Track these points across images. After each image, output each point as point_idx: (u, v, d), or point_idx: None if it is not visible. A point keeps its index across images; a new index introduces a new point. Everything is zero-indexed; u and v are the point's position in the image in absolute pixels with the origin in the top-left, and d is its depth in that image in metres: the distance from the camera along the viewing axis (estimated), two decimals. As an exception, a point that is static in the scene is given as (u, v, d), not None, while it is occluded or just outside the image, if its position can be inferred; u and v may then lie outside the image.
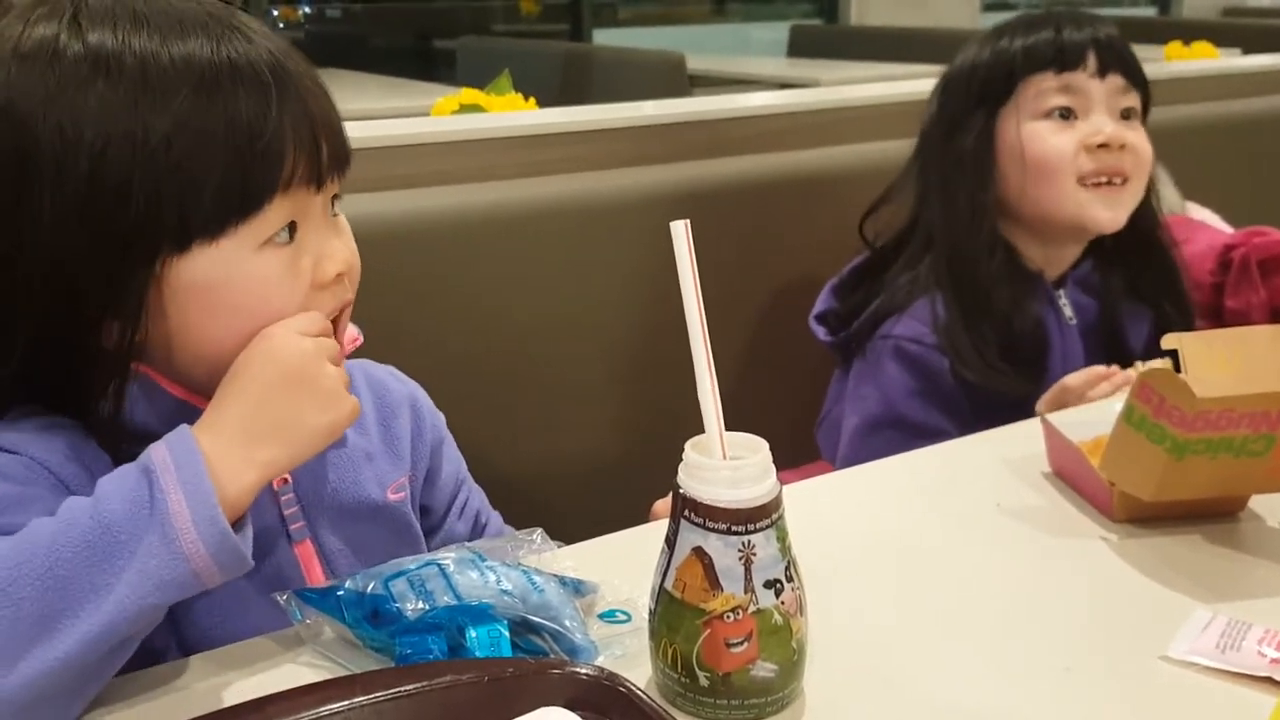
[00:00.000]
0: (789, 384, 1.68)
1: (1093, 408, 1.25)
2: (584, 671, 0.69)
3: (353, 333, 0.91)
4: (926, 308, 1.42)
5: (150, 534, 0.70)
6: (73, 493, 0.78)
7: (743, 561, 0.70)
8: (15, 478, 0.78)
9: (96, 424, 0.82)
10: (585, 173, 1.61)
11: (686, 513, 0.71)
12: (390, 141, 1.49)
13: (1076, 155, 1.40)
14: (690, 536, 0.71)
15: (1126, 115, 1.44)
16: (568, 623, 0.78)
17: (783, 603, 0.71)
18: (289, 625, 0.82)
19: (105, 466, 0.81)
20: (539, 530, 0.90)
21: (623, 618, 0.83)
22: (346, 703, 0.67)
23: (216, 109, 0.78)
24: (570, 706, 0.67)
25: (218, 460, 0.74)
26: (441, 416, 1.07)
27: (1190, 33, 3.18)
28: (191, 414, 0.83)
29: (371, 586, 0.79)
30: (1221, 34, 3.37)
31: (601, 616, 0.84)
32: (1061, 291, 1.48)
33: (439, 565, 0.80)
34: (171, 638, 0.83)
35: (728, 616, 0.70)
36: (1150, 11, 6.88)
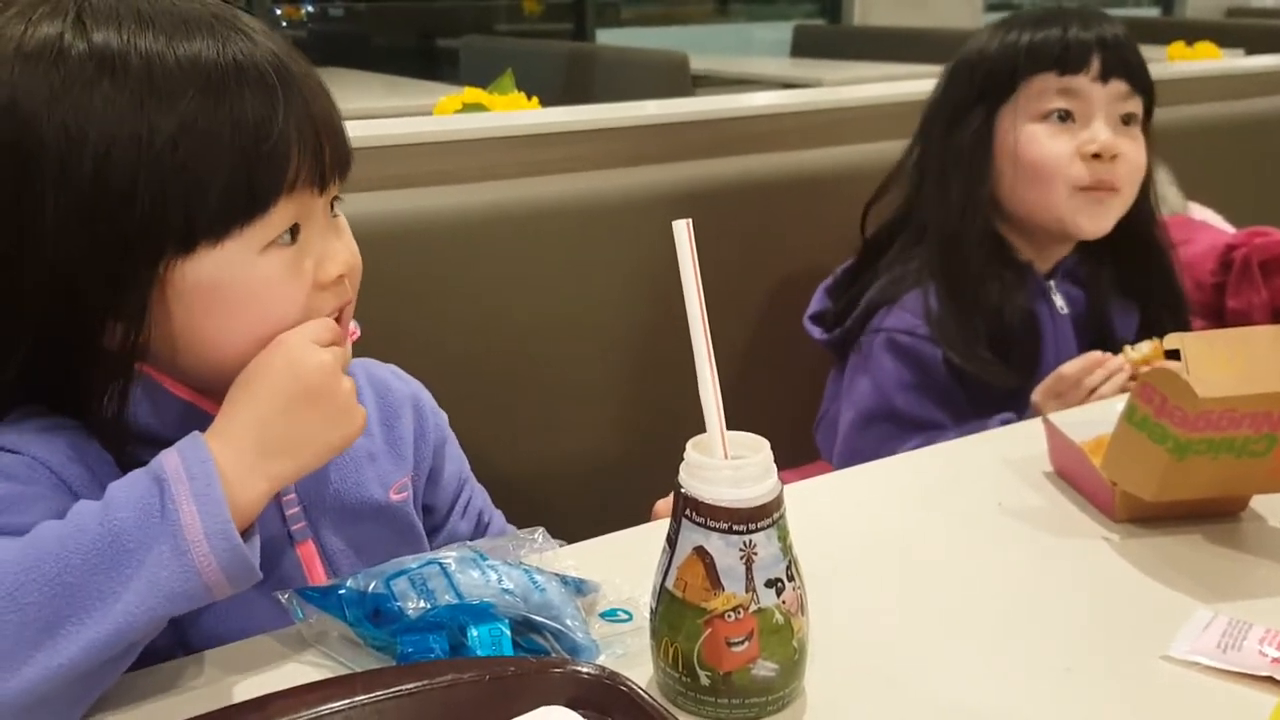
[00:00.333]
0: (790, 383, 1.68)
1: (1094, 407, 1.25)
2: (585, 670, 0.70)
3: (350, 326, 0.91)
4: (918, 299, 1.43)
5: (160, 544, 0.70)
6: (75, 493, 0.79)
7: (744, 561, 0.70)
8: (18, 477, 0.78)
9: (99, 425, 0.82)
10: (588, 172, 1.61)
11: (688, 512, 0.71)
12: (393, 140, 1.49)
13: (1071, 163, 1.41)
14: (691, 536, 0.71)
15: (1126, 120, 1.44)
16: (569, 622, 0.78)
17: (784, 602, 0.71)
18: (291, 624, 0.82)
19: (108, 467, 0.81)
20: (540, 529, 0.90)
21: (624, 617, 0.83)
22: (348, 701, 0.67)
23: (222, 111, 0.77)
24: (572, 705, 0.67)
25: (231, 471, 0.74)
26: (444, 415, 1.07)
27: (1193, 33, 3.18)
28: (198, 416, 0.83)
29: (373, 585, 0.79)
30: (1225, 34, 3.37)
31: (603, 615, 0.84)
32: (1052, 283, 1.48)
33: (440, 564, 0.80)
34: (173, 637, 0.83)
35: (729, 616, 0.70)
36: (1154, 12, 6.87)
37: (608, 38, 5.61)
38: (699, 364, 0.71)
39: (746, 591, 0.70)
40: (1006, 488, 1.07)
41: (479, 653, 0.75)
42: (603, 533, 0.98)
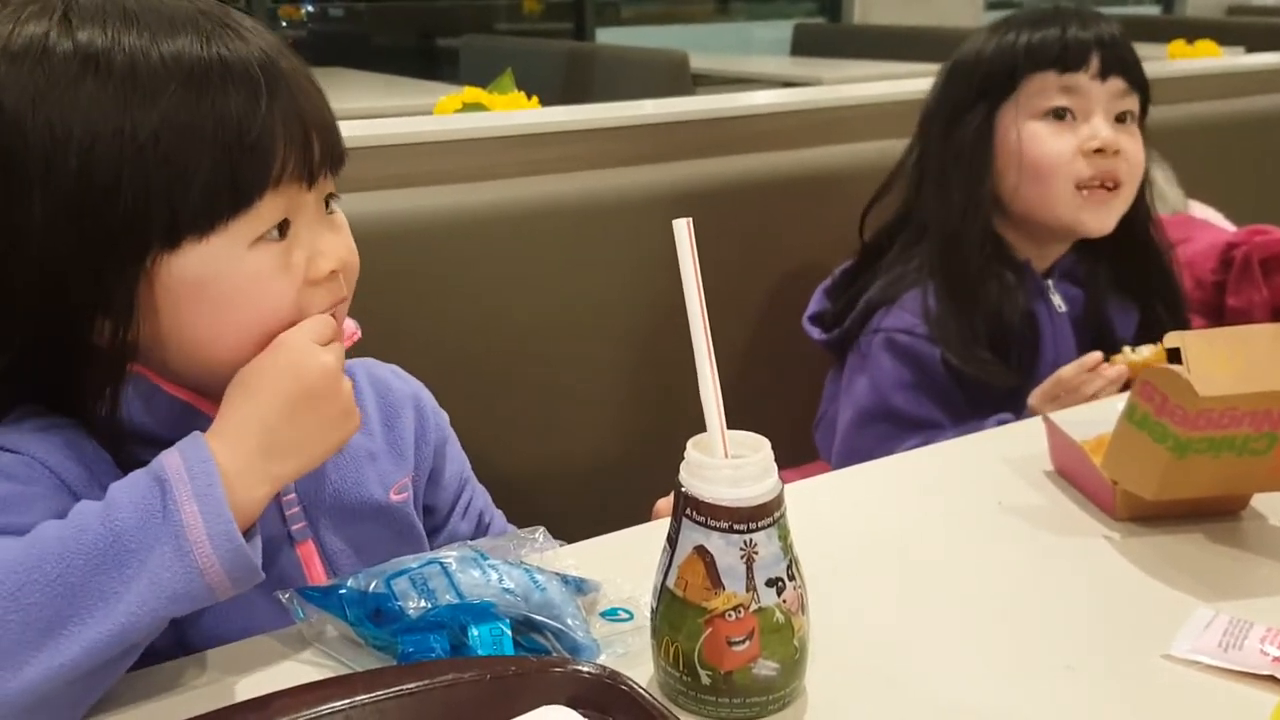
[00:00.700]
0: (790, 383, 1.68)
1: (1095, 406, 1.25)
2: (586, 670, 0.69)
3: (350, 327, 0.90)
4: (917, 299, 1.43)
5: (162, 544, 0.70)
6: (74, 492, 0.79)
7: (744, 560, 0.70)
8: (17, 477, 0.78)
9: (95, 424, 0.82)
10: (588, 171, 1.61)
11: (688, 511, 0.71)
12: (393, 140, 1.49)
13: (1074, 160, 1.41)
14: (692, 535, 0.71)
15: (1122, 119, 1.44)
16: (570, 621, 0.78)
17: (784, 601, 0.71)
18: (291, 624, 0.82)
19: (107, 467, 0.81)
20: (541, 529, 0.90)
21: (625, 616, 0.83)
22: (348, 701, 0.67)
23: (205, 105, 0.77)
24: (572, 705, 0.67)
25: (233, 473, 0.74)
26: (445, 415, 1.07)
27: (1194, 31, 3.18)
28: (195, 416, 0.83)
29: (374, 585, 0.79)
30: (1225, 32, 3.37)
31: (603, 615, 0.84)
32: (1050, 282, 1.49)
33: (441, 564, 0.80)
34: (174, 637, 0.83)
35: (729, 615, 0.70)
36: (1154, 10, 6.87)
37: (608, 37, 5.61)
38: (699, 363, 0.71)
39: (747, 591, 0.70)
40: (1007, 486, 1.07)
41: (480, 652, 0.75)
42: (603, 532, 0.98)
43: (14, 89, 0.77)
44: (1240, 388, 0.88)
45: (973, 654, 0.81)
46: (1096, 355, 1.32)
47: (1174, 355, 0.93)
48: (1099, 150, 1.41)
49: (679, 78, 3.47)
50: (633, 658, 0.78)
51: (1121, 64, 1.43)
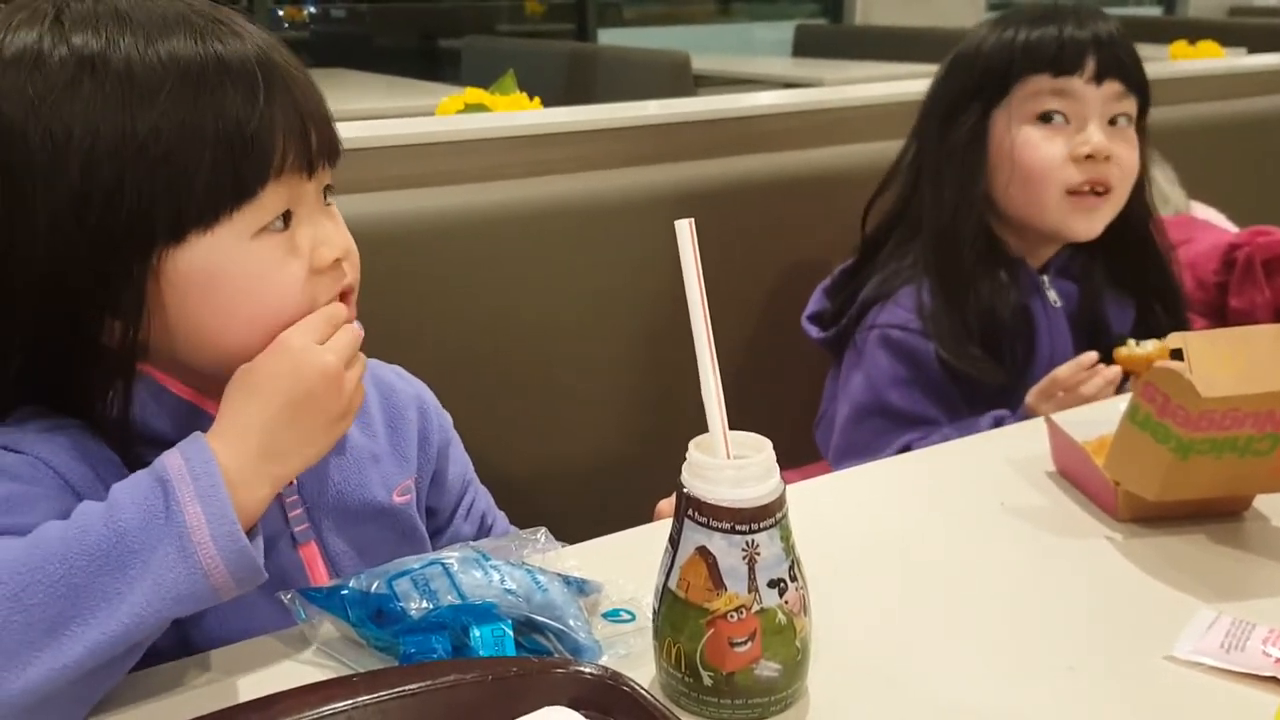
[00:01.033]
0: (792, 383, 1.68)
1: (1096, 407, 1.25)
2: (588, 671, 0.69)
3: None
4: (912, 295, 1.43)
5: (165, 545, 0.70)
6: (78, 494, 0.79)
7: (746, 561, 0.70)
8: (21, 476, 0.78)
9: (102, 425, 0.82)
10: (590, 172, 1.61)
11: (690, 512, 0.71)
12: (395, 141, 1.49)
13: (1064, 166, 1.41)
14: (694, 536, 0.71)
15: (1117, 121, 1.43)
16: (572, 622, 0.78)
17: (786, 602, 0.71)
18: (293, 625, 0.82)
19: (111, 467, 0.81)
20: (543, 529, 0.90)
21: (626, 617, 0.83)
22: (350, 702, 0.67)
23: (203, 101, 0.78)
24: (574, 706, 0.67)
25: (235, 473, 0.74)
26: (448, 417, 1.07)
27: (1196, 32, 3.18)
28: (198, 415, 0.83)
29: (375, 586, 0.79)
30: (1227, 33, 3.37)
31: (605, 616, 0.84)
32: (1045, 278, 1.49)
33: (443, 564, 0.80)
34: (176, 637, 0.83)
35: (731, 616, 0.70)
36: (1156, 11, 6.87)
37: (609, 38, 5.61)
38: (701, 363, 0.71)
39: (749, 592, 0.70)
40: (1009, 487, 1.07)
41: (481, 653, 0.75)
42: (605, 533, 0.98)
43: (11, 97, 0.77)
44: (1243, 389, 0.88)
45: (975, 655, 0.81)
46: (1093, 355, 1.32)
47: (1176, 355, 0.93)
48: (1089, 156, 1.41)
49: (681, 78, 3.47)
50: (635, 659, 0.78)
51: (1119, 65, 1.42)
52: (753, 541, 0.70)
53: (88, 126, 0.76)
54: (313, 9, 5.84)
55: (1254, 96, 2.42)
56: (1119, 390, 1.39)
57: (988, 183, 1.46)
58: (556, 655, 0.78)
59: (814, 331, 1.55)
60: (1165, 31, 3.63)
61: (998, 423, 1.33)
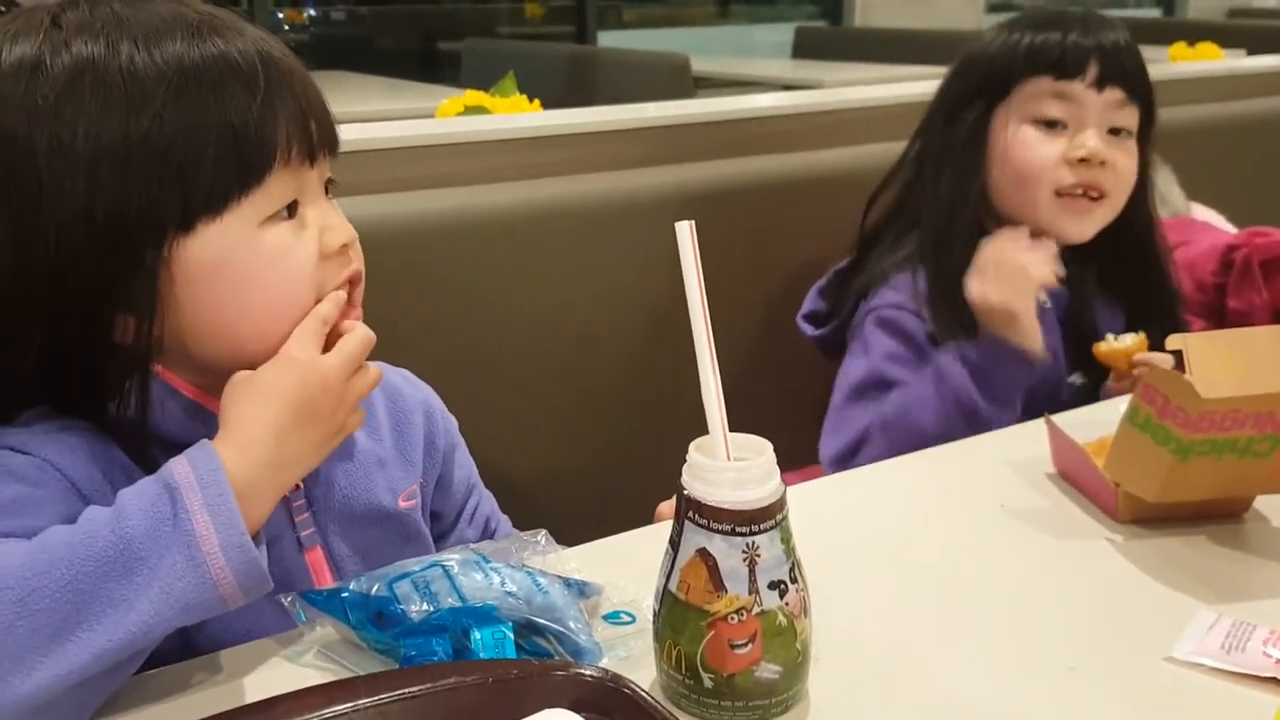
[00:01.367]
0: (793, 385, 1.68)
1: (1097, 408, 1.25)
2: (588, 673, 0.69)
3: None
4: (907, 280, 1.45)
5: (174, 553, 0.70)
6: (85, 496, 0.79)
7: (747, 563, 0.70)
8: (28, 479, 0.78)
9: (113, 425, 0.82)
10: (590, 174, 1.61)
11: (690, 514, 0.71)
12: (395, 143, 1.49)
13: (1057, 168, 1.42)
14: (694, 538, 0.71)
15: (1117, 132, 1.43)
16: (572, 624, 0.78)
17: (787, 604, 0.71)
18: (294, 627, 0.82)
19: (119, 470, 0.81)
20: (543, 532, 0.90)
21: (627, 619, 0.83)
22: (350, 704, 0.67)
23: (205, 96, 0.79)
24: (574, 708, 0.67)
25: (243, 482, 0.74)
26: (454, 421, 1.07)
27: (1195, 34, 3.18)
28: (203, 415, 0.83)
29: (376, 588, 0.79)
30: (1226, 35, 3.37)
31: (606, 618, 0.84)
32: None
33: (443, 567, 0.80)
34: (178, 640, 0.83)
35: (732, 618, 0.70)
36: (1155, 12, 6.87)
37: (609, 40, 5.62)
38: (701, 365, 0.71)
39: (749, 593, 0.70)
40: (1009, 489, 1.07)
41: (482, 655, 0.75)
42: (605, 535, 0.98)
43: (13, 107, 0.78)
44: (1242, 390, 0.88)
45: (975, 656, 0.81)
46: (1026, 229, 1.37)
47: (1177, 360, 0.93)
48: (1084, 160, 1.41)
49: (680, 80, 3.48)
50: (635, 661, 0.78)
51: (1121, 73, 1.42)
52: (753, 543, 0.70)
53: (91, 132, 0.77)
54: (313, 11, 5.84)
55: (1253, 98, 2.42)
56: (1099, 386, 1.40)
57: (984, 180, 1.47)
58: (557, 657, 0.78)
59: (809, 329, 1.56)
60: (1164, 33, 3.63)
61: (964, 360, 1.33)
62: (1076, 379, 1.48)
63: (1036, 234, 1.47)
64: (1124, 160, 1.43)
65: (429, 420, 1.03)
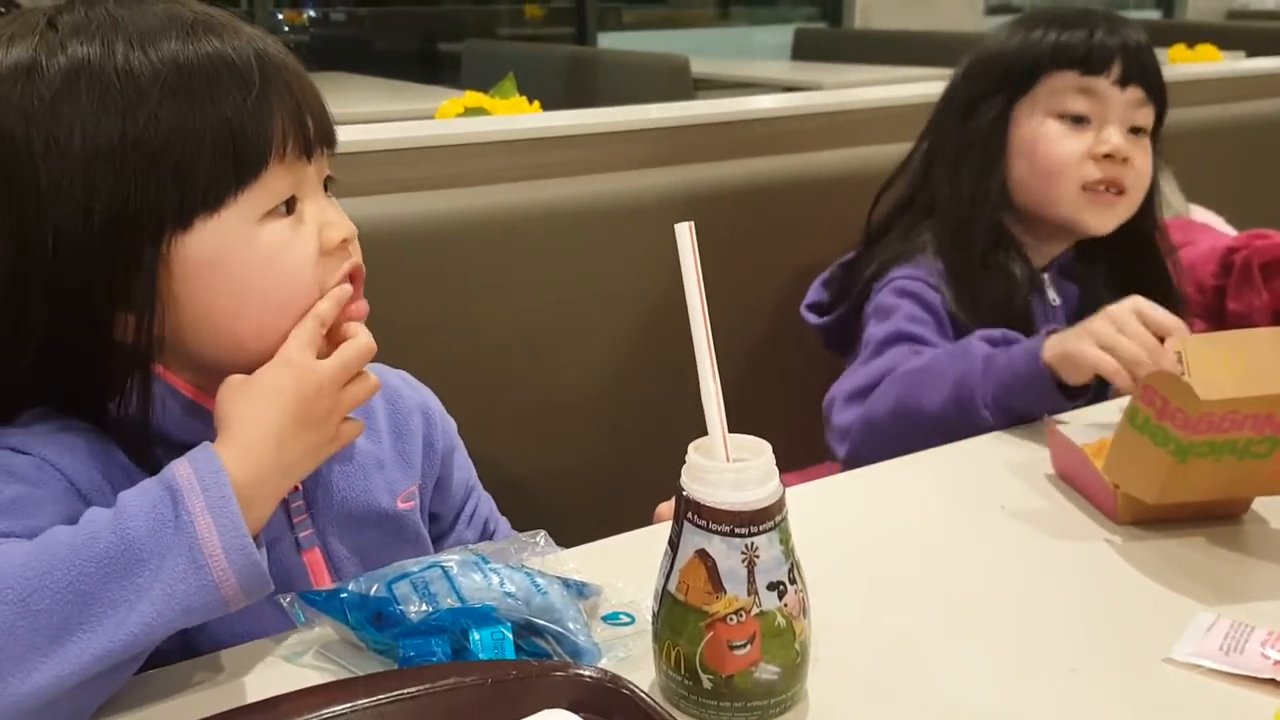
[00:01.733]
0: (792, 386, 1.68)
1: (1097, 410, 1.25)
2: (587, 674, 0.69)
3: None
4: (927, 262, 1.45)
5: (175, 555, 0.70)
6: (85, 497, 0.79)
7: (746, 564, 0.70)
8: (28, 479, 0.78)
9: (113, 426, 0.82)
10: (590, 175, 1.61)
11: (689, 515, 0.71)
12: (395, 144, 1.49)
13: (1082, 163, 1.43)
14: (693, 539, 0.71)
15: (1135, 131, 1.44)
16: (571, 625, 0.78)
17: (786, 605, 0.71)
18: (293, 628, 0.82)
19: (119, 471, 0.81)
20: (542, 532, 0.90)
21: (626, 620, 0.83)
22: (349, 705, 0.67)
23: (200, 94, 0.79)
24: (573, 709, 0.67)
25: (245, 484, 0.74)
26: (453, 423, 1.07)
27: (1194, 35, 3.18)
28: (202, 415, 0.83)
29: (375, 589, 0.79)
30: (1225, 37, 3.37)
31: (605, 619, 0.84)
32: (1046, 276, 1.50)
33: (442, 567, 0.80)
34: (177, 640, 0.83)
35: (731, 619, 0.70)
36: (1154, 14, 6.88)
37: (609, 41, 5.62)
38: (701, 366, 0.71)
39: (748, 594, 0.70)
40: (1009, 490, 1.07)
41: (481, 656, 0.75)
42: (604, 536, 0.98)
43: (10, 109, 0.78)
44: (1241, 391, 0.88)
45: (975, 657, 0.81)
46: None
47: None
48: (1108, 155, 1.42)
49: (680, 82, 3.48)
50: (634, 662, 0.78)
51: (1143, 72, 1.44)
52: (752, 544, 0.70)
53: (87, 130, 0.77)
54: (312, 12, 5.84)
55: (1252, 100, 2.42)
56: (1106, 386, 1.40)
57: (1004, 174, 1.47)
58: (556, 658, 0.78)
59: (812, 318, 1.56)
60: (1164, 35, 3.62)
61: (989, 342, 1.29)
62: None
63: (1058, 229, 1.47)
64: (1142, 159, 1.45)
65: (428, 422, 1.03)
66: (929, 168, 1.52)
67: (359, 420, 0.86)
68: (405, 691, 0.68)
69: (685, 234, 0.71)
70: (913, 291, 1.43)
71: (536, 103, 1.87)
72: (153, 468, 0.76)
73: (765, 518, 0.70)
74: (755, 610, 0.70)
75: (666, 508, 0.94)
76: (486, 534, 1.09)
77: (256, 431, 0.77)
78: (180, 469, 0.73)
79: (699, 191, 1.64)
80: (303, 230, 0.84)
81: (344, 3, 6.12)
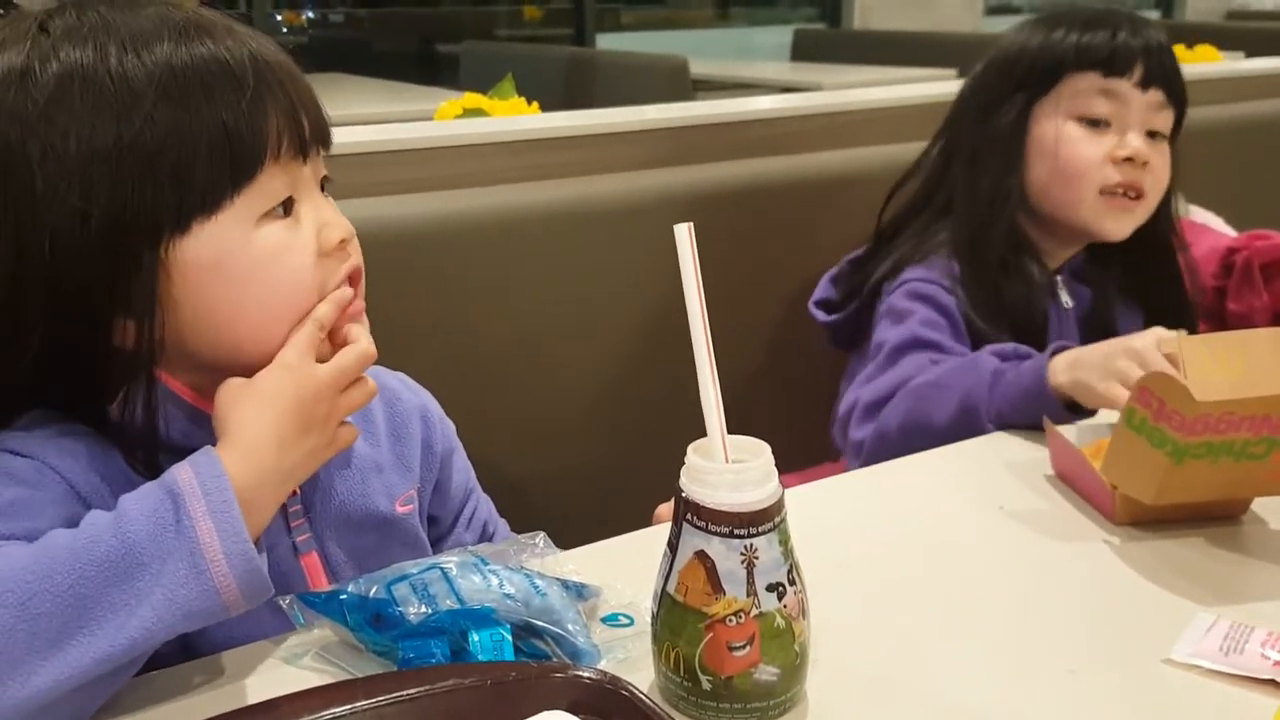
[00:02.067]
0: (792, 387, 1.68)
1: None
2: (586, 675, 0.70)
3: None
4: (942, 263, 1.44)
5: (176, 559, 0.70)
6: (84, 500, 0.79)
7: (745, 565, 0.70)
8: (28, 481, 0.78)
9: (113, 430, 0.82)
10: (589, 177, 1.61)
11: (689, 516, 0.71)
12: (393, 146, 1.49)
13: (1103, 166, 1.42)
14: (692, 540, 0.71)
15: (1153, 134, 1.44)
16: (570, 626, 0.78)
17: (785, 606, 0.71)
18: (292, 630, 0.82)
19: (119, 474, 0.81)
20: (541, 534, 0.90)
21: (625, 621, 0.83)
22: (349, 706, 0.67)
23: (195, 96, 0.79)
24: (573, 710, 0.67)
25: (246, 489, 0.74)
26: (451, 425, 1.07)
27: (1194, 36, 3.18)
28: (201, 419, 0.83)
29: (374, 590, 0.79)
30: (1225, 37, 3.37)
31: (604, 620, 0.84)
32: (1060, 278, 1.50)
33: (442, 569, 0.80)
34: (177, 642, 0.83)
35: (730, 620, 0.70)
36: (1154, 14, 6.88)
37: (608, 42, 5.62)
38: (700, 367, 0.72)
39: (748, 595, 0.70)
40: (1008, 491, 1.07)
41: (480, 658, 0.75)
42: (604, 537, 0.98)
43: (4, 114, 0.78)
44: (1238, 393, 0.88)
45: (974, 658, 0.81)
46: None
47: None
48: (1129, 159, 1.41)
49: (679, 83, 3.48)
50: (633, 663, 0.78)
51: (1164, 75, 1.43)
52: (751, 545, 0.70)
53: (82, 134, 0.77)
54: (311, 14, 5.84)
55: (1252, 100, 2.42)
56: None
57: (1023, 175, 1.46)
58: (555, 660, 0.78)
59: (821, 316, 1.55)
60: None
61: (999, 357, 1.28)
62: None
63: (1074, 232, 1.47)
64: (1160, 163, 1.45)
65: (426, 425, 1.03)
66: (946, 167, 1.51)
67: (355, 426, 0.86)
68: (404, 693, 0.68)
69: (684, 235, 0.71)
70: (927, 295, 1.43)
71: (535, 104, 1.87)
72: (153, 473, 0.76)
73: (764, 519, 0.70)
74: (754, 611, 0.70)
75: (666, 509, 0.94)
76: (486, 536, 1.09)
77: (257, 436, 0.77)
78: (182, 473, 0.73)
79: (698, 192, 1.64)
80: (301, 231, 0.84)
81: (342, 4, 6.13)
